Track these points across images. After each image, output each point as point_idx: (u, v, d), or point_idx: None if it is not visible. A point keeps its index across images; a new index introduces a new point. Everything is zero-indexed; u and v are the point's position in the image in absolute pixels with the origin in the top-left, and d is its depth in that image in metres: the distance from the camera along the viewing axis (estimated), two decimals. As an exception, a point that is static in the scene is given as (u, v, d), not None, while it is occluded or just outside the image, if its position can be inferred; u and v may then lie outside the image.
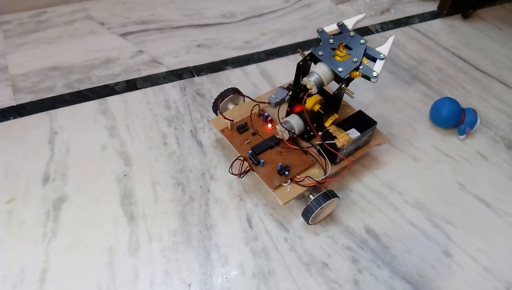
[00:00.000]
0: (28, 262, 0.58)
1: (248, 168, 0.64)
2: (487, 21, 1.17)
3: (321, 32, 0.64)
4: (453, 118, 0.80)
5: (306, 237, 0.64)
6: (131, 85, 0.84)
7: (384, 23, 1.11)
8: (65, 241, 0.60)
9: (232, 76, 0.89)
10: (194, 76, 0.88)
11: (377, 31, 1.08)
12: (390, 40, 0.63)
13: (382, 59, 0.61)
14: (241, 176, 0.64)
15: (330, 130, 0.63)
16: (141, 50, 0.92)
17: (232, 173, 0.64)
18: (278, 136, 0.66)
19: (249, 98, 0.72)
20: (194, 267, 0.59)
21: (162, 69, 0.89)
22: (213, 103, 0.74)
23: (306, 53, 0.63)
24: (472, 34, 1.11)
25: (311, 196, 0.62)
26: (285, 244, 0.63)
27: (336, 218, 0.67)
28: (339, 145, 0.62)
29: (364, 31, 1.06)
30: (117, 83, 0.84)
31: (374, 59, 0.61)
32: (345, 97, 0.67)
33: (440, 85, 0.94)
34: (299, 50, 0.66)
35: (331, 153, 0.64)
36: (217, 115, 0.75)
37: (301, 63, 0.63)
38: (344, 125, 0.65)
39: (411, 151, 0.79)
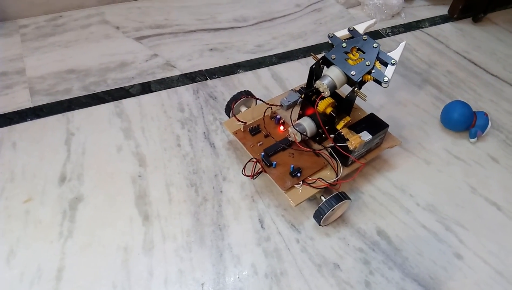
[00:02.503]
0: (45, 261, 0.59)
1: (260, 170, 0.65)
2: (498, 24, 1.17)
3: (332, 37, 0.65)
4: (465, 121, 0.80)
5: (318, 238, 0.65)
6: (145, 88, 0.86)
7: (394, 26, 1.11)
8: (81, 240, 0.61)
9: (244, 79, 0.90)
10: (207, 79, 0.89)
11: (388, 35, 1.08)
12: (402, 45, 0.63)
13: (394, 64, 0.61)
14: (254, 177, 0.65)
15: (342, 133, 0.64)
16: (156, 53, 0.94)
17: (245, 175, 0.65)
18: (290, 138, 0.67)
19: (262, 100, 0.73)
20: (207, 267, 0.60)
21: (176, 72, 0.90)
22: (226, 105, 0.75)
23: (319, 56, 0.64)
24: (483, 37, 1.11)
25: (322, 197, 0.63)
26: (297, 245, 0.64)
27: (347, 220, 0.67)
28: (351, 147, 0.62)
29: (374, 35, 1.06)
30: (132, 86, 0.86)
31: (385, 64, 0.62)
32: (357, 100, 0.67)
33: (451, 89, 0.94)
34: (312, 53, 0.67)
35: (343, 156, 0.65)
36: (229, 117, 0.76)
37: (314, 66, 0.64)
38: (356, 127, 0.66)
39: (422, 154, 0.79)
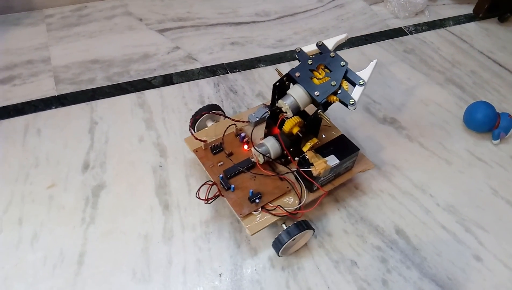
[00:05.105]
0: (67, 246, 0.60)
1: (217, 193, 0.60)
2: (525, 25, 1.15)
3: (299, 52, 0.59)
4: (488, 122, 0.79)
5: (335, 234, 0.65)
6: (167, 80, 0.87)
7: (418, 24, 1.10)
8: (103, 226, 0.63)
9: (264, 73, 0.90)
10: (227, 73, 0.90)
11: (411, 33, 1.07)
12: (372, 64, 0.58)
13: (362, 85, 0.56)
14: (209, 202, 0.60)
15: (307, 156, 0.58)
16: (178, 46, 0.95)
17: (199, 198, 0.59)
18: (252, 160, 0.62)
19: (227, 117, 0.69)
20: (225, 258, 0.61)
21: (197, 65, 0.91)
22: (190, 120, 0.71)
23: (284, 72, 0.59)
24: (509, 38, 1.09)
25: (284, 225, 0.59)
26: (314, 240, 0.64)
27: (365, 218, 0.67)
28: (315, 173, 0.57)
29: (398, 32, 1.05)
30: (154, 78, 0.87)
31: (353, 84, 0.57)
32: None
33: (475, 89, 0.92)
34: (276, 69, 0.61)
35: (308, 180, 0.59)
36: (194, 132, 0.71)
37: (277, 84, 0.59)
38: (324, 150, 0.60)
39: (443, 154, 0.78)
